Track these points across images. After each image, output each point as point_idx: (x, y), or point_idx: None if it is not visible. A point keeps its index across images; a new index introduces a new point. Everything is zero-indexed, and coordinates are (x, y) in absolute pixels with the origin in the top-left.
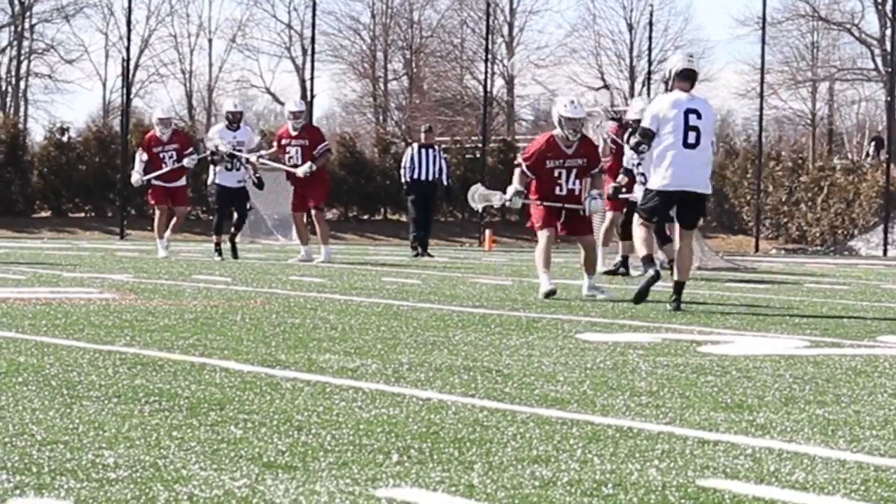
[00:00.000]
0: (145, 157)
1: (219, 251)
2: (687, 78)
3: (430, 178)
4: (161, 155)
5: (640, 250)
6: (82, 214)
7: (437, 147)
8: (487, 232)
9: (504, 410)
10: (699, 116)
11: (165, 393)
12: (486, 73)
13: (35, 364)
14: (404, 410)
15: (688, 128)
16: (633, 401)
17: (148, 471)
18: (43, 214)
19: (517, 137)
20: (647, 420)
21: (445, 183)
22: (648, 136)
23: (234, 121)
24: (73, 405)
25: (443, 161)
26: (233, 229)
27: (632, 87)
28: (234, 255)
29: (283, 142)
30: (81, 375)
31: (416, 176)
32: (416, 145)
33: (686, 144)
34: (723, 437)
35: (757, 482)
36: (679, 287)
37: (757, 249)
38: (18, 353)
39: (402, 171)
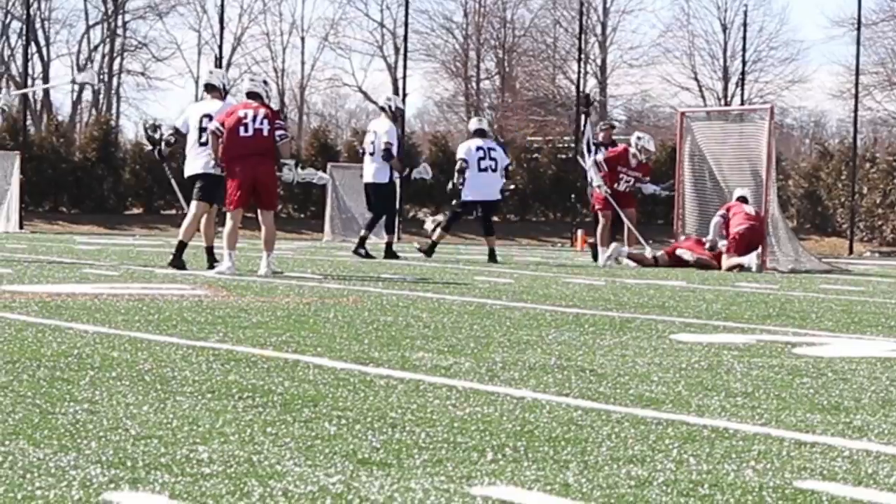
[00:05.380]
0: None
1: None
2: None
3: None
4: None
5: None
6: (173, 211)
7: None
8: (580, 232)
9: (598, 410)
10: None
11: (259, 389)
12: (578, 72)
13: (129, 359)
14: (498, 409)
15: None
16: (728, 401)
17: (242, 466)
18: (135, 211)
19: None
20: (743, 421)
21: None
22: None
23: None
24: (167, 400)
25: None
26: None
27: (725, 88)
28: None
29: None
30: (175, 371)
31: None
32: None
33: None
34: (819, 439)
35: (855, 484)
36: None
37: (851, 252)
38: (112, 348)
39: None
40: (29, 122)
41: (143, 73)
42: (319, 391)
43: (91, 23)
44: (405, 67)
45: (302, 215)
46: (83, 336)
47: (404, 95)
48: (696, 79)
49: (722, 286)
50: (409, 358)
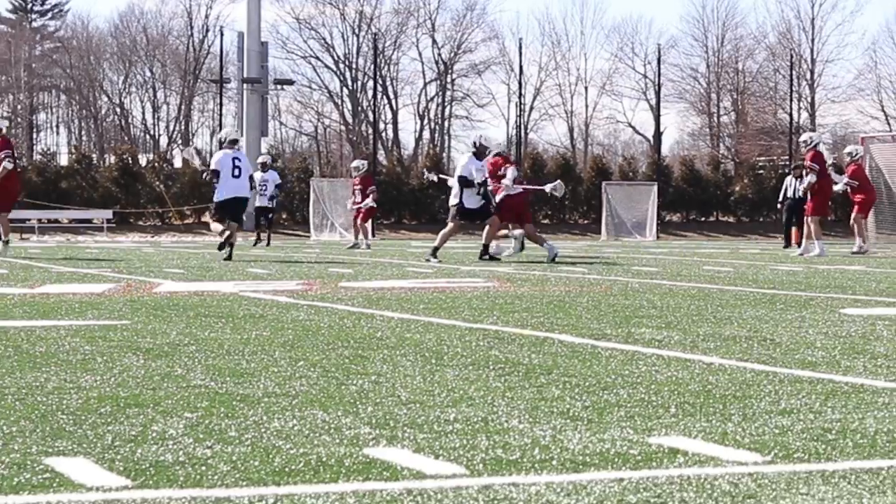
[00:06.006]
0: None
1: None
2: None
3: None
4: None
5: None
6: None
7: None
8: (794, 229)
9: (767, 372)
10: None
11: (510, 361)
12: (790, 108)
13: (417, 339)
14: (690, 373)
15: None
16: (870, 363)
17: (478, 424)
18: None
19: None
20: (877, 378)
21: None
22: None
23: (264, 168)
24: (437, 372)
25: None
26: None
27: None
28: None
29: None
30: (450, 348)
31: None
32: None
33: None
34: None
35: None
36: None
37: None
38: (407, 330)
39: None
40: (381, 154)
41: (467, 117)
42: (556, 362)
43: (427, 80)
44: (659, 107)
45: (585, 221)
46: (389, 321)
47: (661, 130)
48: (883, 110)
49: (892, 269)
50: (633, 333)
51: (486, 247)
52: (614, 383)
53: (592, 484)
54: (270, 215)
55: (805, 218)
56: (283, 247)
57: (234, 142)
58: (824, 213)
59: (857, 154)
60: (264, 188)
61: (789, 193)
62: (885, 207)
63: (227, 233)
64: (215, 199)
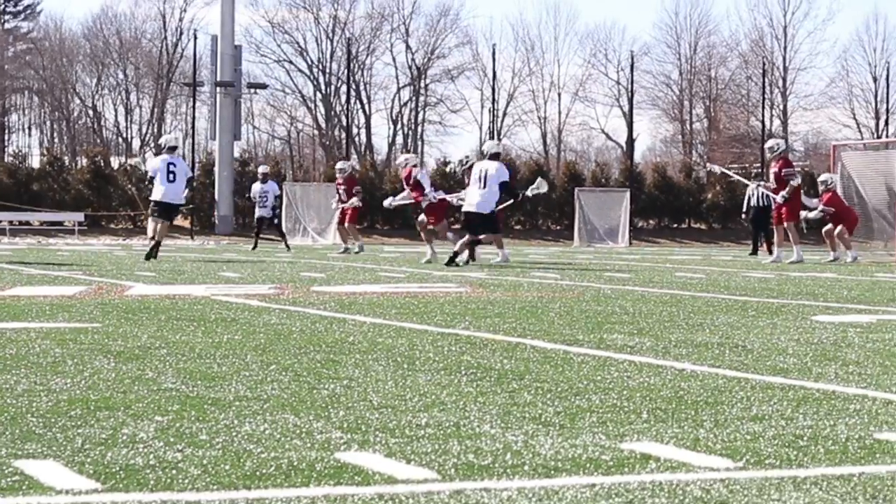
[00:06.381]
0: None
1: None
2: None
3: None
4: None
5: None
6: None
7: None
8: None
9: (739, 378)
10: None
11: (482, 366)
12: (762, 116)
13: (389, 344)
14: (662, 379)
15: None
16: (841, 369)
17: (450, 429)
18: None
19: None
20: (849, 385)
21: None
22: None
23: (264, 180)
24: (409, 377)
25: None
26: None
27: (877, 125)
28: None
29: None
30: (422, 353)
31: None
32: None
33: None
34: None
35: None
36: None
37: None
38: (379, 334)
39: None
40: (355, 159)
41: (440, 122)
42: (528, 367)
43: (401, 85)
44: (632, 114)
45: (558, 227)
46: (361, 326)
47: (634, 137)
48: (854, 118)
49: (863, 276)
50: (605, 339)
51: (456, 254)
52: (586, 389)
53: (564, 489)
54: (276, 221)
55: (782, 225)
56: (257, 251)
57: (173, 148)
58: (797, 220)
59: (831, 182)
60: (265, 199)
61: (753, 202)
62: (857, 215)
63: (158, 231)
64: (151, 198)
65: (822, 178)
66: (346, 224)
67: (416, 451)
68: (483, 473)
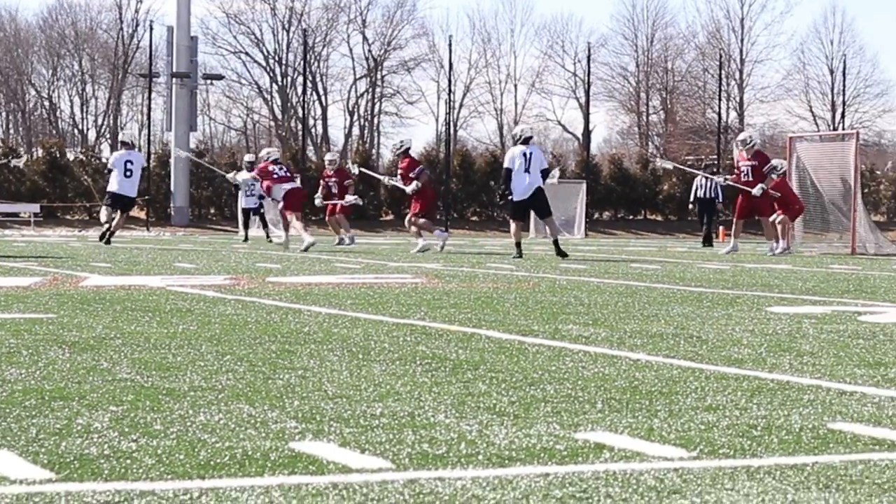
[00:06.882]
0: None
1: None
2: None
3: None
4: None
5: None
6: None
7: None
8: (721, 227)
9: (694, 369)
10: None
11: (437, 357)
12: (718, 108)
13: (345, 334)
14: (617, 369)
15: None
16: (796, 360)
17: (405, 419)
18: (387, 218)
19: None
20: (803, 375)
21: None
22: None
23: (250, 168)
24: (363, 367)
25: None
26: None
27: (833, 117)
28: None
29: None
30: (377, 343)
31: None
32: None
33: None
34: (857, 389)
35: (874, 425)
36: None
37: None
38: (334, 325)
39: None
40: (311, 150)
41: (396, 114)
42: (483, 357)
43: (357, 76)
44: (588, 106)
45: None
46: (316, 316)
47: (590, 128)
48: (811, 111)
49: (818, 268)
50: (560, 329)
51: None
52: (541, 379)
53: (518, 479)
54: (262, 211)
55: (773, 217)
56: (211, 241)
57: (132, 145)
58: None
59: (780, 168)
60: (252, 188)
61: (700, 194)
62: (812, 207)
63: (114, 220)
64: (108, 189)
65: (772, 163)
66: (338, 215)
67: (371, 441)
68: (437, 463)
